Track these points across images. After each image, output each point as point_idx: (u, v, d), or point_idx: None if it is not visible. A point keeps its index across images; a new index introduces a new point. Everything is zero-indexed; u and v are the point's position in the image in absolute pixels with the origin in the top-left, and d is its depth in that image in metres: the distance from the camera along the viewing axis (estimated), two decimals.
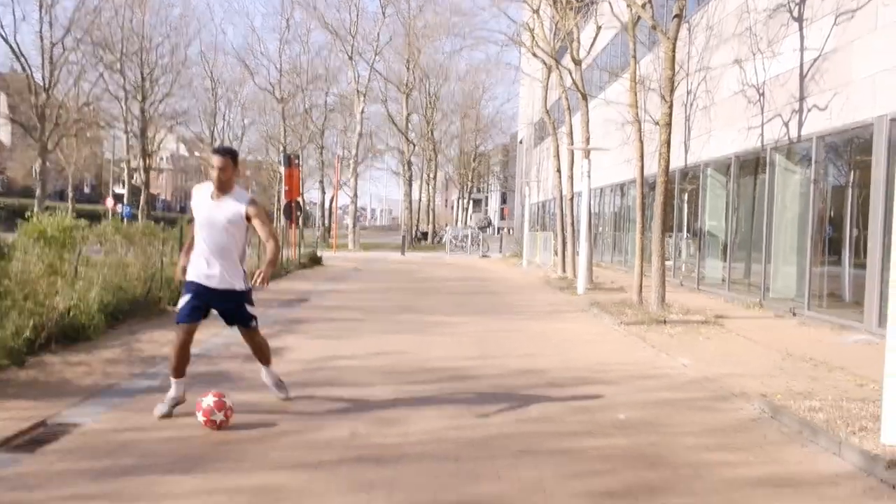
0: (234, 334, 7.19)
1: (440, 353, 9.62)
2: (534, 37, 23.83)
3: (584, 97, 21.37)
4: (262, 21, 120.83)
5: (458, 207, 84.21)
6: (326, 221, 63.25)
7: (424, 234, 65.64)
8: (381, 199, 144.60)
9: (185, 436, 5.75)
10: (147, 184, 49.90)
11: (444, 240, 48.50)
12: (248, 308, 6.37)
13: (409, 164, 53.99)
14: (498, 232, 74.72)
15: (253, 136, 66.09)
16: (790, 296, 14.43)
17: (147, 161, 49.09)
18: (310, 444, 5.61)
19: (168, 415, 6.19)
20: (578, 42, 22.19)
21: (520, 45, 26.50)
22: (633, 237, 17.25)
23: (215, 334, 10.06)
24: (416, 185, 65.28)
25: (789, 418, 6.39)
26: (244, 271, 6.32)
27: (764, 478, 5.08)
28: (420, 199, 70.90)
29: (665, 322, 12.46)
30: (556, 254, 26.35)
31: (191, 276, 6.18)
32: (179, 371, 6.25)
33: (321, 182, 60.49)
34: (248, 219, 6.12)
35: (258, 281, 5.85)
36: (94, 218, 43.06)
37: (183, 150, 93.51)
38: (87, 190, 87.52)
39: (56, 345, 8.96)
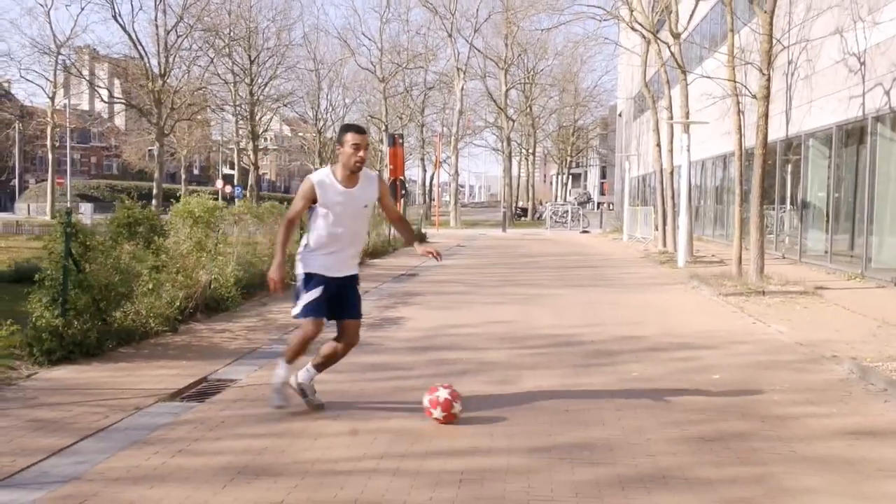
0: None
1: (546, 321, 10.32)
2: (632, 11, 24.07)
3: (683, 71, 21.58)
4: (363, 1, 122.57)
5: (556, 183, 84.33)
6: (427, 199, 64.41)
7: (524, 211, 66.14)
8: (479, 176, 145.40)
9: (328, 389, 6.61)
10: (256, 165, 51.79)
11: (543, 216, 48.94)
12: (359, 291, 5.94)
13: (509, 140, 54.47)
14: (598, 207, 74.55)
15: (354, 115, 67.64)
16: (893, 266, 14.56)
17: (255, 143, 50.90)
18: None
19: (284, 405, 5.82)
20: (677, 15, 22.35)
21: (618, 19, 26.70)
22: (733, 210, 17.52)
23: None
24: (514, 161, 65.73)
25: (876, 377, 6.88)
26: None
27: (845, 427, 5.62)
28: (519, 176, 71.39)
29: (763, 293, 12.83)
30: (656, 228, 26.62)
31: (316, 269, 5.66)
32: (294, 359, 5.85)
33: (422, 160, 61.61)
34: (379, 199, 5.83)
35: (439, 257, 5.80)
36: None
37: (286, 131, 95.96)
38: (196, 172, 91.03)
39: (200, 314, 10.04)
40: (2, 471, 4.61)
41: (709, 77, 18.45)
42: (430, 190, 71.23)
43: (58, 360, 7.35)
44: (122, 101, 47.95)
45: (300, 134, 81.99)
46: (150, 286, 8.59)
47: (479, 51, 50.69)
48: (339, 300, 5.73)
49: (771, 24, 13.66)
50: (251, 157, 50.84)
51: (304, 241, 5.81)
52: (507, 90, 52.32)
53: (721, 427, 5.59)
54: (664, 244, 23.83)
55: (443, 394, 5.54)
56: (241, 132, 56.83)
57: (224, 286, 10.61)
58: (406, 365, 7.69)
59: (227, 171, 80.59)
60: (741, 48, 20.33)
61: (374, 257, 20.54)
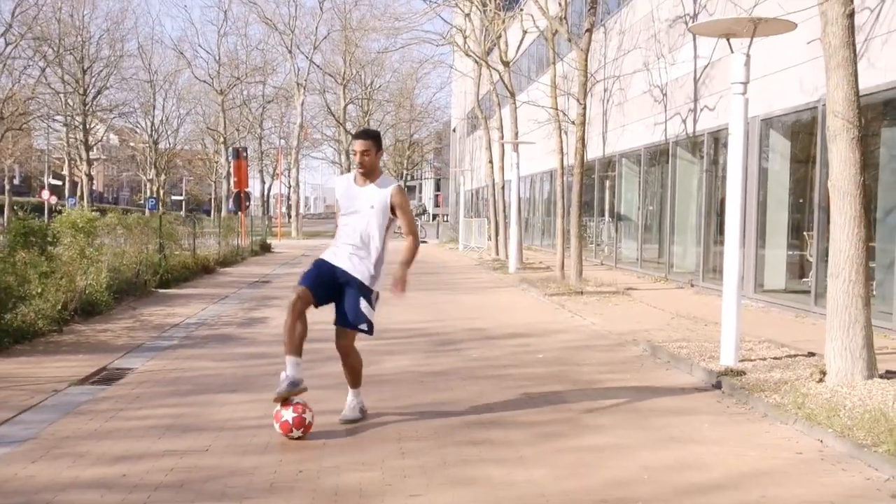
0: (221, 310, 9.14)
1: (398, 318, 11.72)
2: (465, 38, 26.00)
3: (513, 95, 23.64)
4: (201, 13, 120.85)
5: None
6: (265, 210, 64.62)
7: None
8: (315, 188, 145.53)
9: (223, 372, 7.75)
10: (90, 175, 50.76)
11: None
12: (364, 308, 5.83)
13: (348, 153, 55.67)
14: (433, 219, 76.82)
15: (189, 126, 67.14)
16: (690, 270, 16.88)
17: (88, 153, 49.93)
18: (315, 374, 7.68)
19: (285, 395, 5.63)
20: (506, 44, 24.39)
21: (453, 44, 28.56)
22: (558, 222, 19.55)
23: (204, 308, 12.04)
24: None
25: (663, 353, 8.70)
26: (376, 272, 5.89)
27: (637, 387, 7.33)
28: None
29: (582, 293, 14.75)
30: (489, 238, 28.61)
31: (322, 256, 5.95)
32: (295, 347, 5.74)
33: (261, 172, 61.90)
34: (393, 209, 5.89)
35: (398, 289, 5.81)
36: (39, 210, 43.31)
37: (115, 140, 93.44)
38: (16, 181, 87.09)
39: (78, 317, 10.86)
40: None
41: (535, 104, 20.41)
42: (268, 202, 71.51)
43: None
44: None
45: (131, 144, 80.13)
46: (40, 290, 9.42)
47: (318, 67, 51.82)
48: (334, 294, 5.84)
49: (586, 60, 15.67)
50: (84, 167, 49.78)
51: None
52: (345, 105, 53.60)
53: (542, 389, 7.18)
54: (497, 253, 25.78)
55: (287, 415, 5.51)
56: (71, 142, 55.38)
57: (98, 291, 11.45)
58: (280, 353, 8.88)
59: (53, 181, 77.77)
60: (564, 75, 22.60)
61: (226, 266, 21.36)
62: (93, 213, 11.04)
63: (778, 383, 6.83)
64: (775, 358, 8.07)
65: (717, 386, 7.20)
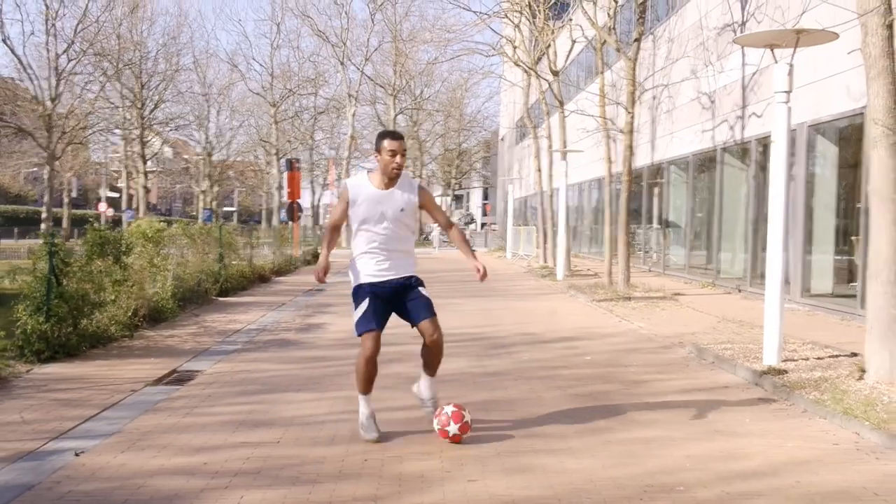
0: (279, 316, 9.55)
1: (451, 323, 12.04)
2: (515, 48, 26.36)
3: (561, 104, 23.93)
4: (254, 27, 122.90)
5: (441, 204, 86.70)
6: (315, 221, 65.61)
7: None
8: None
9: (287, 373, 8.19)
10: (147, 188, 52.04)
11: (430, 236, 50.90)
12: (427, 293, 5.83)
13: None
14: (482, 227, 77.17)
15: (242, 137, 68.37)
16: (738, 276, 17.02)
17: (145, 166, 51.20)
18: (383, 375, 8.09)
19: (379, 436, 5.73)
20: (555, 54, 24.70)
21: (503, 55, 28.94)
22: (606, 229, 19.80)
23: (263, 315, 12.54)
24: None
25: (708, 354, 8.95)
26: (414, 259, 5.92)
27: (683, 386, 7.62)
28: None
29: (630, 299, 15.00)
30: (537, 246, 28.88)
31: (363, 278, 5.70)
32: (367, 387, 5.78)
33: (311, 182, 62.82)
34: (421, 206, 5.75)
35: (480, 275, 5.75)
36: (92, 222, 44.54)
37: (168, 153, 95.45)
38: (74, 194, 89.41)
39: (146, 323, 11.41)
40: (56, 429, 6.06)
41: (583, 113, 20.68)
42: (318, 212, 72.47)
43: (45, 359, 8.69)
44: (10, 124, 47.49)
45: (185, 157, 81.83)
46: (113, 297, 9.97)
47: (370, 78, 52.51)
48: (402, 304, 5.75)
49: (634, 70, 15.94)
50: (142, 179, 51.06)
51: (352, 255, 5.84)
52: (395, 115, 54.24)
53: (591, 389, 7.50)
54: (545, 260, 26.05)
55: (453, 428, 5.59)
56: (128, 154, 56.78)
57: (164, 298, 12.01)
58: (340, 357, 9.33)
59: (109, 193, 79.67)
60: (612, 84, 22.83)
61: (280, 275, 21.94)
62: (160, 223, 11.58)
63: (818, 381, 7.07)
64: (818, 358, 8.29)
65: (760, 384, 7.45)
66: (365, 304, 5.64)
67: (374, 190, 5.63)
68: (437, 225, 5.95)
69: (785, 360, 8.13)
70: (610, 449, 5.48)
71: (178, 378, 8.17)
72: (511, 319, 12.79)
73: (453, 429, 5.57)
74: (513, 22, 26.09)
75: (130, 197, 65.50)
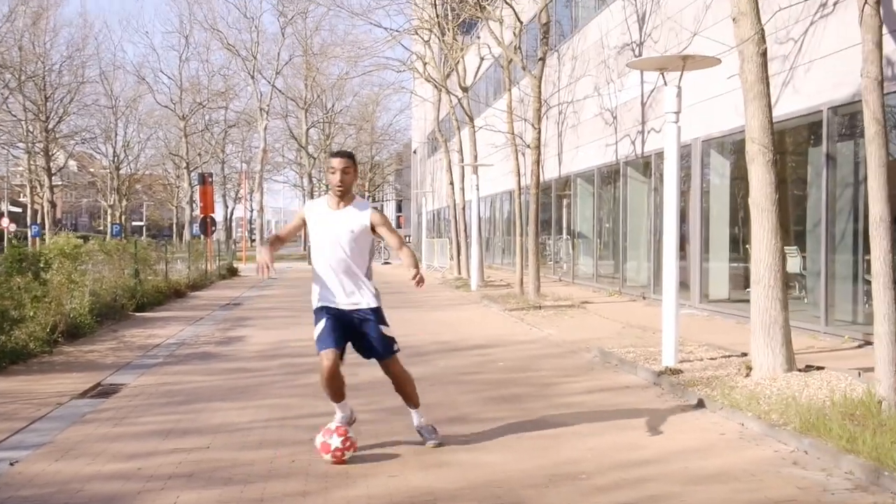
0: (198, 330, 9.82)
1: None
2: (425, 65, 26.93)
3: (471, 119, 24.57)
4: (162, 39, 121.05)
5: None
6: (228, 234, 64.99)
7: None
8: (277, 211, 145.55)
9: (210, 385, 8.45)
10: (53, 203, 50.86)
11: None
12: (384, 329, 5.82)
13: (311, 176, 56.39)
14: None
15: (150, 150, 67.35)
16: (642, 284, 17.83)
17: (51, 180, 50.06)
18: (296, 385, 8.43)
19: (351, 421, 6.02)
20: (465, 70, 25.35)
21: (414, 71, 29.47)
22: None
23: (181, 329, 12.70)
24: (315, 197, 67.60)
25: (612, 358, 9.55)
26: (374, 289, 5.83)
27: (588, 387, 8.17)
28: None
29: (540, 307, 15.61)
30: (451, 258, 29.45)
31: (322, 301, 5.74)
32: (338, 396, 5.85)
33: (223, 196, 62.25)
34: (373, 229, 5.70)
35: (417, 280, 5.67)
36: None
37: (73, 166, 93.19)
38: None
39: (65, 339, 11.46)
40: None
41: (492, 129, 21.33)
42: (231, 226, 71.82)
43: None
44: None
45: (91, 170, 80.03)
46: (32, 313, 10.06)
47: (280, 92, 52.48)
48: (359, 336, 5.80)
49: (539, 87, 16.62)
50: (47, 194, 49.87)
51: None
52: (307, 129, 54.32)
53: (504, 392, 7.99)
54: (459, 272, 26.61)
55: (335, 441, 5.52)
56: (31, 169, 55.39)
57: (82, 314, 12.08)
58: (262, 368, 9.62)
59: (11, 208, 77.36)
60: (521, 99, 23.57)
61: (196, 289, 21.94)
62: (77, 240, 11.65)
63: (710, 379, 7.71)
64: (711, 358, 8.96)
65: (658, 384, 8.06)
66: (322, 324, 5.66)
67: (327, 210, 5.68)
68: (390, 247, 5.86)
69: (682, 361, 8.75)
70: (521, 444, 5.96)
71: (103, 391, 8.35)
72: (427, 329, 13.23)
73: (336, 442, 5.49)
74: (423, 39, 26.67)
75: (35, 212, 63.78)
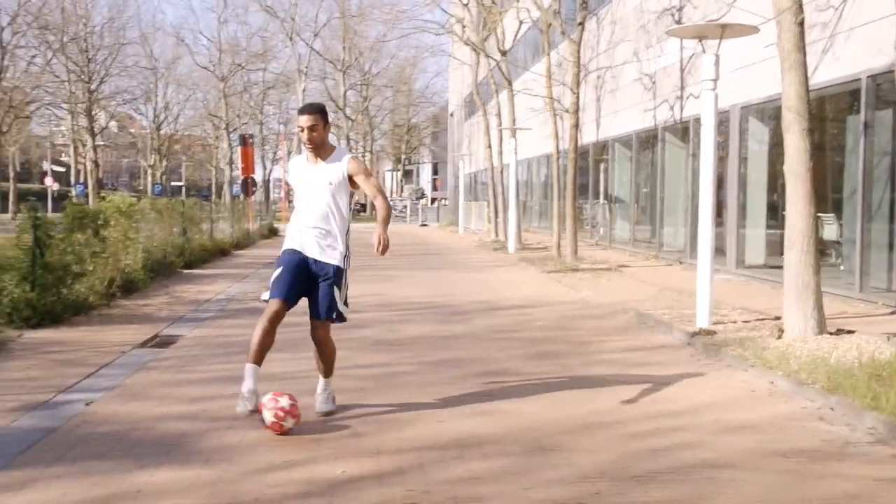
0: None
1: (409, 292, 12.90)
2: (464, 27, 27.05)
3: (509, 83, 24.70)
4: (201, 1, 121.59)
5: (391, 179, 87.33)
6: (270, 195, 65.75)
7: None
8: None
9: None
10: (97, 162, 51.77)
11: (401, 211, 51.42)
12: (337, 297, 5.65)
13: (348, 138, 56.77)
14: (432, 202, 77.86)
15: (189, 111, 68.14)
16: (679, 248, 18.03)
17: (94, 140, 50.91)
18: (344, 339, 8.83)
19: (256, 409, 5.40)
20: (503, 34, 25.44)
21: (452, 34, 29.59)
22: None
23: (229, 286, 13.19)
24: None
25: (647, 319, 9.86)
26: (346, 248, 5.71)
27: (624, 346, 8.50)
28: None
29: (577, 270, 15.90)
30: (489, 221, 29.74)
31: (287, 244, 5.71)
32: (258, 356, 5.58)
33: (262, 158, 62.85)
34: (351, 178, 5.63)
35: (379, 248, 5.45)
36: (40, 197, 44.07)
37: (114, 127, 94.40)
38: (17, 169, 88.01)
39: (121, 293, 11.98)
40: (62, 384, 6.71)
41: (530, 93, 21.47)
42: (268, 187, 72.54)
43: (33, 325, 9.26)
44: None
45: (131, 130, 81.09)
46: (91, 268, 10.55)
47: (318, 54, 52.77)
48: (308, 288, 5.65)
49: (579, 52, 16.76)
50: (91, 154, 50.77)
51: None
52: (345, 91, 54.65)
53: (542, 349, 8.34)
54: (496, 235, 26.91)
55: (283, 402, 5.38)
56: (75, 129, 56.30)
57: (136, 270, 12.59)
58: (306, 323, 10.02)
59: (54, 167, 78.75)
60: (559, 63, 23.66)
61: (239, 248, 22.48)
62: (132, 198, 12.13)
63: (743, 340, 7.99)
64: (745, 321, 9.23)
65: (692, 344, 8.36)
66: (280, 271, 5.59)
67: (306, 165, 5.68)
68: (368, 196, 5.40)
69: (716, 324, 9.03)
70: (559, 397, 6.31)
71: (161, 342, 8.83)
72: (466, 289, 13.60)
73: (290, 423, 5.34)
74: (462, 1, 26.75)
75: (78, 172, 64.90)
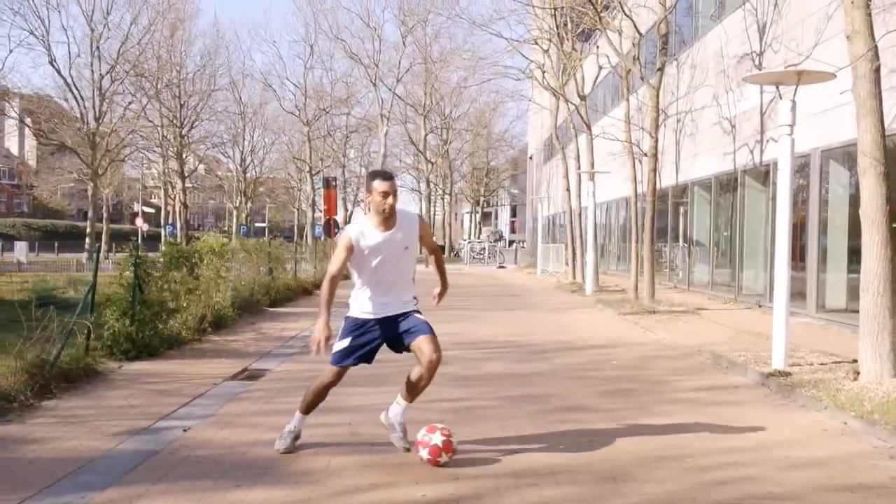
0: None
1: (488, 332, 13.16)
2: (544, 73, 27.48)
3: (588, 126, 24.98)
4: (288, 48, 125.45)
5: (470, 221, 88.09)
6: None
7: (442, 248, 69.35)
8: None
9: (349, 373, 9.26)
10: (185, 204, 53.65)
11: (461, 253, 51.92)
12: (420, 315, 5.83)
13: (428, 181, 57.64)
14: (510, 244, 78.13)
15: (274, 155, 70.15)
16: (759, 292, 17.92)
17: (184, 183, 52.84)
18: (437, 374, 9.14)
19: (291, 450, 5.85)
20: (583, 79, 25.78)
21: (532, 79, 30.07)
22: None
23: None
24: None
25: (723, 360, 9.94)
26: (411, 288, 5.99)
27: (698, 385, 8.62)
28: (434, 214, 74.73)
29: (654, 312, 15.96)
30: (567, 263, 29.87)
31: (364, 313, 5.76)
32: (310, 409, 5.99)
33: (343, 200, 64.19)
34: (420, 238, 5.84)
35: (438, 301, 6.03)
36: (128, 237, 46.02)
37: (201, 169, 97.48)
38: (109, 210, 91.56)
39: (210, 329, 12.54)
40: (160, 412, 7.16)
41: (609, 137, 21.69)
42: None
43: (131, 357, 9.83)
44: (53, 141, 49.21)
45: (218, 174, 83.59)
46: (185, 304, 11.13)
47: (400, 98, 53.96)
48: (394, 335, 5.77)
49: (658, 97, 16.96)
50: (181, 196, 52.67)
51: (354, 281, 5.88)
52: (426, 135, 55.58)
53: (617, 387, 8.51)
54: (574, 277, 27.04)
55: (436, 438, 5.51)
56: (166, 172, 58.46)
57: (225, 307, 13.16)
58: (391, 359, 10.31)
59: (145, 208, 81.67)
60: (638, 108, 23.86)
61: (320, 288, 23.03)
62: (224, 239, 12.75)
63: (817, 381, 8.04)
64: (822, 364, 9.24)
65: (766, 384, 8.43)
66: (347, 343, 5.75)
67: (377, 233, 5.60)
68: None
69: (792, 365, 9.07)
70: (632, 431, 6.50)
71: (250, 375, 9.27)
72: (544, 329, 13.81)
73: (444, 459, 5.49)
74: (542, 48, 27.22)
75: (168, 213, 67.22)
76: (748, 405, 7.53)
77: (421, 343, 5.63)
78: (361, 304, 5.76)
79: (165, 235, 53.18)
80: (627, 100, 20.06)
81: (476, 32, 67.73)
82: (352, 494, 4.93)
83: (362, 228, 5.62)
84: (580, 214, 26.88)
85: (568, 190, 28.56)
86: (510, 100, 59.82)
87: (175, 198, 57.30)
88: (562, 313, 17.10)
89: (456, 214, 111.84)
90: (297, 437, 5.95)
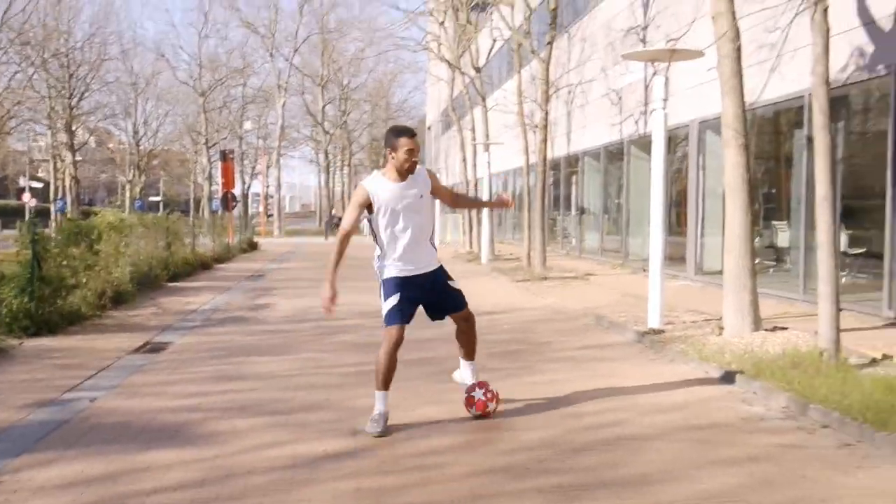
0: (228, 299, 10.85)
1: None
2: (440, 45, 27.88)
3: (483, 99, 25.54)
4: (182, 16, 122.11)
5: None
6: (248, 209, 66.31)
7: (341, 220, 69.19)
8: (291, 187, 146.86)
9: (248, 342, 9.58)
10: (76, 178, 52.15)
11: (361, 225, 52.11)
12: (452, 284, 6.15)
13: (326, 153, 57.50)
14: None
15: (169, 126, 68.59)
16: (644, 257, 18.83)
17: (74, 156, 51.29)
18: (325, 343, 9.55)
19: (385, 433, 5.62)
20: (478, 51, 26.28)
21: (429, 51, 30.42)
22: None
23: (213, 298, 13.85)
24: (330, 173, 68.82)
25: (604, 321, 10.64)
26: (435, 248, 6.12)
27: (582, 345, 9.28)
28: (333, 186, 74.54)
29: (546, 279, 16.67)
30: (464, 233, 30.51)
31: (396, 272, 5.87)
32: (387, 382, 5.77)
33: (241, 172, 63.37)
34: (433, 190, 5.95)
35: (508, 202, 6.37)
36: (18, 213, 44.42)
37: (92, 142, 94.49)
38: None
39: (111, 304, 12.60)
40: (66, 385, 7.36)
41: (503, 109, 22.30)
42: (247, 201, 73.11)
43: (31, 334, 9.89)
44: None
45: (110, 146, 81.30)
46: (85, 280, 11.21)
47: (298, 69, 53.52)
48: (434, 298, 6.02)
49: (548, 70, 17.59)
50: (71, 170, 51.16)
51: (376, 252, 5.99)
52: (323, 105, 55.35)
53: (507, 349, 9.09)
54: (471, 246, 27.68)
55: (478, 394, 6.07)
56: (55, 145, 56.58)
57: (124, 283, 13.23)
58: (292, 329, 10.74)
59: (33, 184, 78.84)
60: (531, 79, 24.51)
61: (220, 262, 23.08)
62: (123, 214, 12.79)
63: (687, 337, 8.79)
64: (693, 322, 10.03)
65: (642, 342, 9.14)
66: (395, 300, 5.78)
67: (393, 185, 5.74)
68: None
69: (666, 324, 9.81)
70: (515, 387, 7.06)
71: (153, 348, 9.49)
72: None
73: (492, 407, 6.07)
74: (438, 20, 27.59)
75: (56, 188, 65.13)
76: (623, 360, 8.20)
77: (454, 318, 6.23)
78: (391, 266, 5.87)
79: (55, 211, 51.56)
80: (519, 73, 20.67)
81: (373, 3, 67.55)
82: (258, 451, 5.32)
83: (375, 182, 5.80)
84: (476, 185, 27.50)
85: (464, 161, 29.14)
86: (408, 71, 60.14)
87: (65, 172, 55.51)
88: (458, 282, 17.65)
89: (356, 186, 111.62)
90: (387, 418, 5.72)
